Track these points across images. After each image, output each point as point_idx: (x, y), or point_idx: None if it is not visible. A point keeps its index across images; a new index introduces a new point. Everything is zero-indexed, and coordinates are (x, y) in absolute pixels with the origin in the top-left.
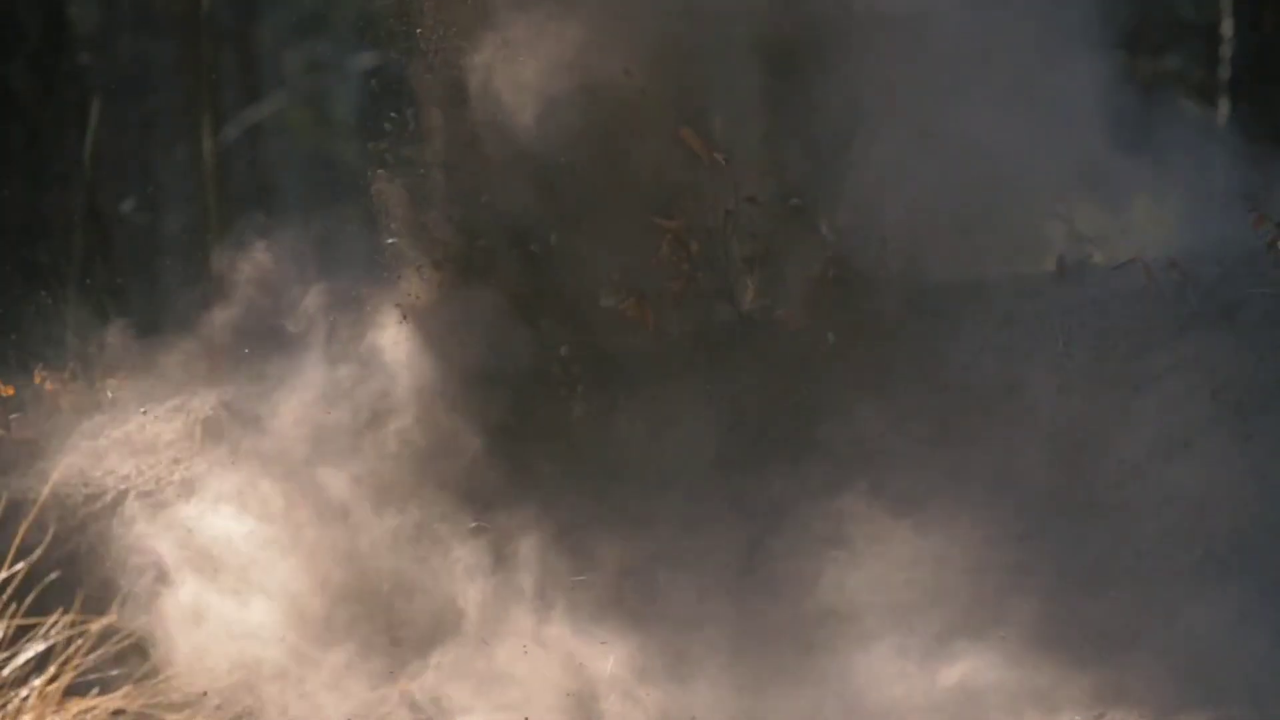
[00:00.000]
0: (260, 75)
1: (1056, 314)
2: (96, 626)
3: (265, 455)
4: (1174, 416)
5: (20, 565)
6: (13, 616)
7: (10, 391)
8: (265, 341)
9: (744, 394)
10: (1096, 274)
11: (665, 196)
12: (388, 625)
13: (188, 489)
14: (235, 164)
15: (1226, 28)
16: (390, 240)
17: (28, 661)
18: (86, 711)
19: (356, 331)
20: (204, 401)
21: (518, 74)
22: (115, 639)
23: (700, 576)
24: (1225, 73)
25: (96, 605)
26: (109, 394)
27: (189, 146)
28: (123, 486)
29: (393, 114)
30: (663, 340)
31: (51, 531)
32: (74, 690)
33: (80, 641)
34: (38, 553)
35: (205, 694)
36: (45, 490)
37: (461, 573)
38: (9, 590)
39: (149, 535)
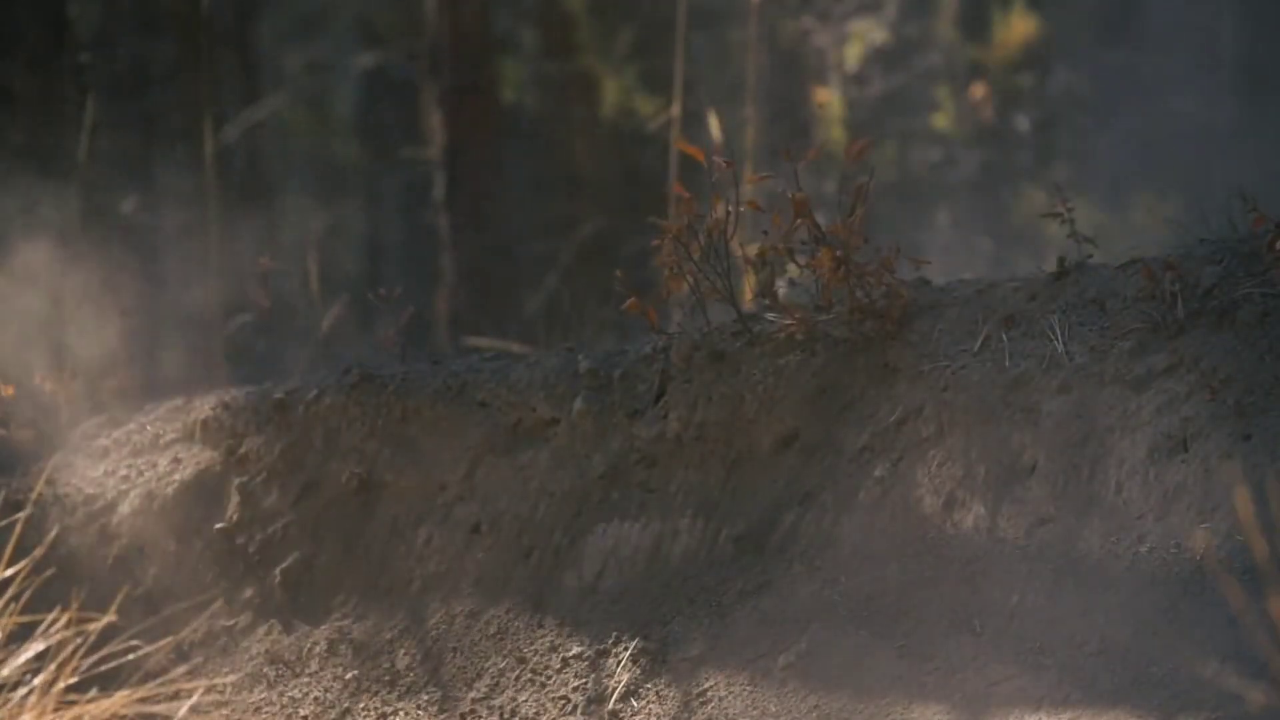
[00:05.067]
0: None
1: (1056, 314)
2: (96, 626)
3: None
4: (1174, 416)
5: (20, 564)
6: (11, 615)
7: (10, 391)
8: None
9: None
10: (1096, 274)
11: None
12: None
13: None
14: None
15: None
16: None
17: (27, 661)
18: (85, 712)
19: None
20: (204, 401)
21: None
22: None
23: None
24: None
25: (97, 605)
26: (109, 394)
27: (189, 146)
28: (123, 486)
29: None
30: None
31: (52, 531)
32: (74, 691)
33: (80, 641)
34: (38, 552)
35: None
36: (45, 490)
37: None
38: (8, 590)
39: None
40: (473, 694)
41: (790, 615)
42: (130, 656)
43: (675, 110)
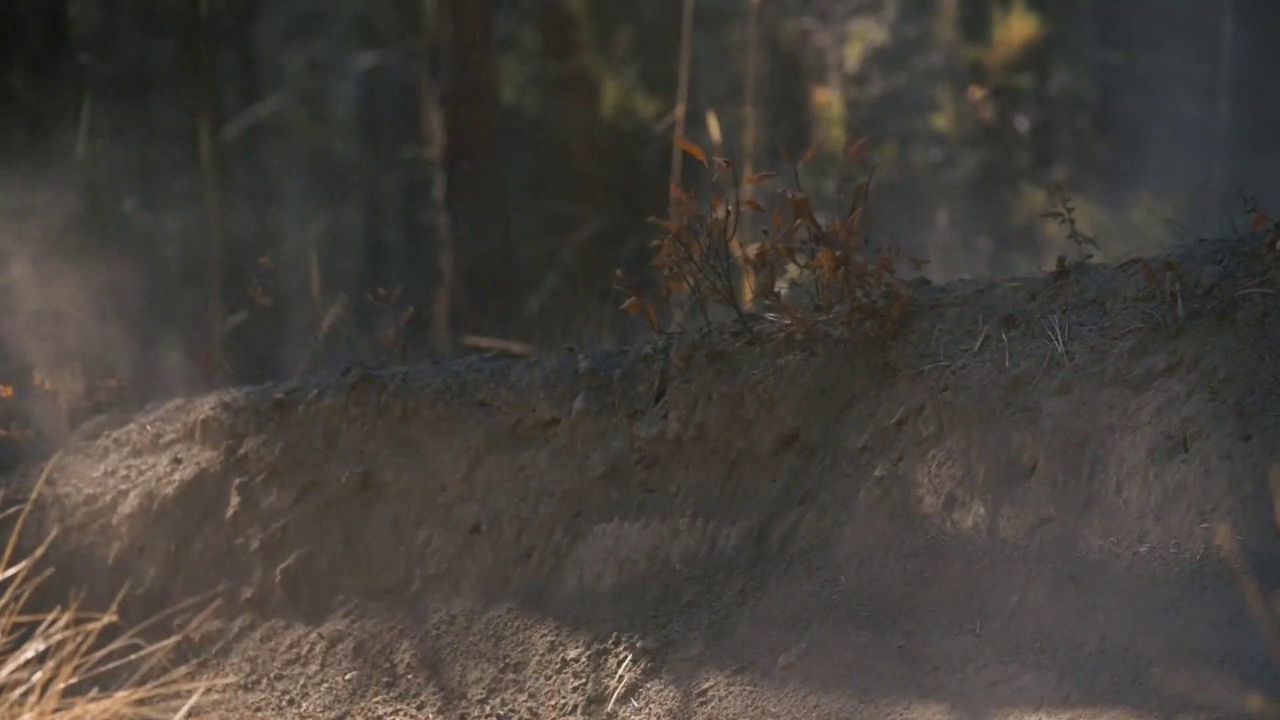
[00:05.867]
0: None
1: (1056, 314)
2: (96, 626)
3: None
4: (1174, 416)
5: (20, 564)
6: (11, 615)
7: (10, 392)
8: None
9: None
10: (1096, 274)
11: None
12: None
13: None
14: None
15: None
16: None
17: (27, 661)
18: (85, 712)
19: None
20: (204, 401)
21: None
22: None
23: None
24: None
25: (97, 605)
26: (109, 394)
27: (189, 146)
28: (123, 486)
29: None
30: None
31: (52, 531)
32: (74, 691)
33: (80, 641)
34: (38, 552)
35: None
36: (45, 490)
37: None
38: (8, 590)
39: None
40: (472, 694)
41: (790, 615)
42: (130, 656)
43: (680, 112)
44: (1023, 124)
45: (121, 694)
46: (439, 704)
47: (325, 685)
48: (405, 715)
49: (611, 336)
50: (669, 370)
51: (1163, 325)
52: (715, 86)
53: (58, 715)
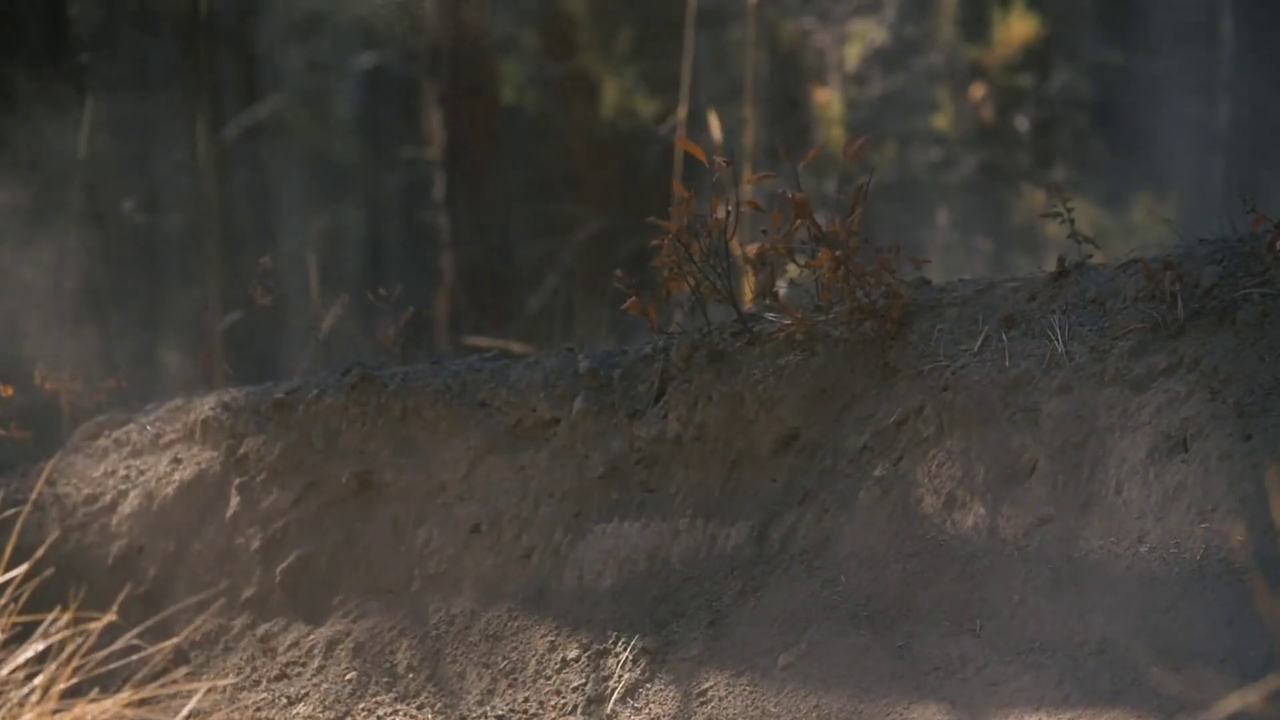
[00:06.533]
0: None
1: (1056, 314)
2: (96, 626)
3: None
4: (1174, 416)
5: (20, 565)
6: (11, 615)
7: (10, 392)
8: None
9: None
10: (1096, 274)
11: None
12: None
13: None
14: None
15: None
16: None
17: (27, 661)
18: (85, 712)
19: None
20: (204, 401)
21: None
22: None
23: None
24: None
25: (97, 605)
26: (109, 394)
27: (188, 146)
28: (123, 486)
29: None
30: None
31: (52, 531)
32: (74, 691)
33: (80, 641)
34: (39, 552)
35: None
36: (45, 490)
37: None
38: (8, 590)
39: None
40: (472, 694)
41: (790, 615)
42: (131, 657)
43: (682, 113)
44: (1023, 124)
45: (122, 694)
46: (439, 704)
47: (325, 685)
48: (405, 715)
49: (611, 336)
50: (669, 370)
51: (1163, 325)
52: (715, 86)
53: (58, 716)
